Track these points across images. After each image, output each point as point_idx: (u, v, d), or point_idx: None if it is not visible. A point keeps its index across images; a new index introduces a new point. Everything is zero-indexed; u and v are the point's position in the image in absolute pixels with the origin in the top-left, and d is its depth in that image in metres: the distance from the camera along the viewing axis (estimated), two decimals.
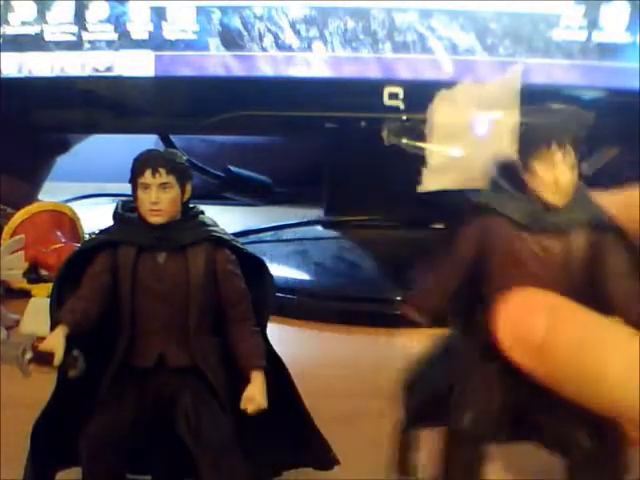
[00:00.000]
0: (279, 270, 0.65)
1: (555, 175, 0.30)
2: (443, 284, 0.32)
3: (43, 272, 0.65)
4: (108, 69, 0.65)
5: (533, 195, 0.30)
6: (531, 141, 0.30)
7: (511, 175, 0.32)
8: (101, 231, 0.34)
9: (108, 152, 0.85)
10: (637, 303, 0.29)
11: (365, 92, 0.63)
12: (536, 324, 0.26)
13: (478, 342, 0.31)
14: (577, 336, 0.26)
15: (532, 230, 0.30)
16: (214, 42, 0.64)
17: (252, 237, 0.76)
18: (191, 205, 0.34)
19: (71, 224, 0.71)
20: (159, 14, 0.64)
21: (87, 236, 0.70)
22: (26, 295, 0.61)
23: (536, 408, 0.30)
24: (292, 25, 0.63)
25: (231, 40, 0.63)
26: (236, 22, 0.63)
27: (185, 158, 0.34)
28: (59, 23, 0.65)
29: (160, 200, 0.32)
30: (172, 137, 0.78)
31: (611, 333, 0.26)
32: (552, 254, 0.30)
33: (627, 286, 0.29)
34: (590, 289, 0.30)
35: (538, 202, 0.30)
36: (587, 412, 0.27)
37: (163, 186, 0.32)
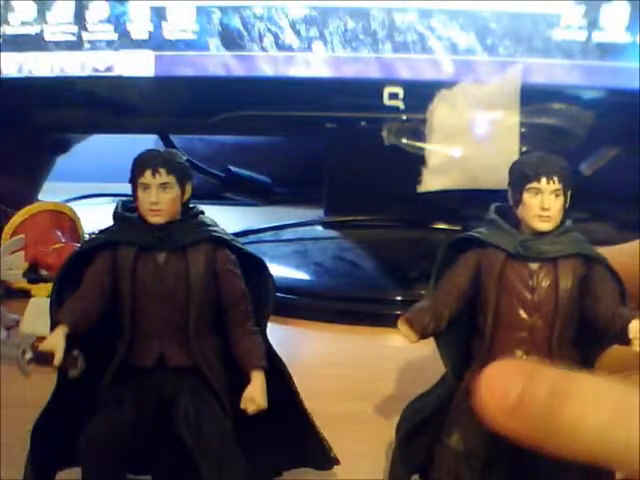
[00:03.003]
0: (279, 270, 0.65)
1: (541, 201, 0.32)
2: (439, 307, 0.33)
3: (43, 272, 0.65)
4: (108, 69, 0.65)
5: (523, 226, 0.33)
6: (520, 175, 0.33)
7: (507, 215, 0.34)
8: (101, 231, 0.34)
9: (108, 152, 0.85)
10: (621, 320, 0.31)
11: (365, 92, 0.63)
12: (511, 384, 0.27)
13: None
14: (550, 390, 0.26)
15: (522, 258, 0.33)
16: (214, 42, 0.64)
17: (252, 237, 0.76)
18: (191, 205, 0.34)
19: (71, 224, 0.71)
20: (159, 14, 0.64)
21: (87, 236, 0.70)
22: (26, 295, 0.61)
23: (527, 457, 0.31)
24: (292, 25, 0.63)
25: (231, 40, 0.63)
26: (236, 22, 0.63)
27: (185, 158, 0.34)
28: (59, 23, 0.65)
29: (160, 200, 0.32)
30: (172, 137, 0.78)
31: (586, 383, 0.27)
32: (542, 281, 0.32)
33: (614, 307, 0.31)
34: (575, 316, 0.32)
35: (527, 232, 0.33)
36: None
37: (163, 186, 0.32)
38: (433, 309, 0.33)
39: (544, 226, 0.33)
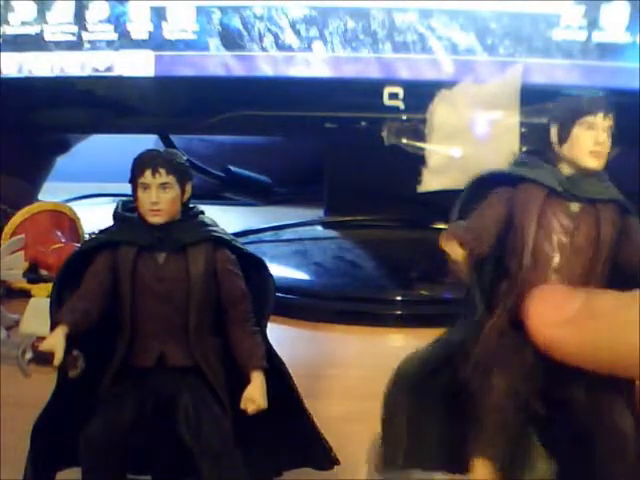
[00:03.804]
0: (279, 270, 0.65)
1: (595, 137, 0.30)
2: (479, 229, 0.31)
3: (43, 272, 0.65)
4: (108, 69, 0.65)
5: (564, 165, 0.31)
6: (573, 107, 0.31)
7: (538, 155, 0.32)
8: (101, 231, 0.34)
9: (108, 152, 0.85)
10: None
11: (365, 92, 0.63)
12: (572, 297, 0.27)
13: (500, 320, 0.31)
14: (613, 304, 0.26)
15: (564, 198, 0.31)
16: (214, 42, 0.64)
17: (252, 237, 0.76)
18: (191, 205, 0.34)
19: (71, 224, 0.71)
20: (159, 14, 0.64)
21: (87, 236, 0.70)
22: (26, 295, 0.61)
23: (567, 384, 0.30)
24: (292, 25, 0.63)
25: (231, 40, 0.63)
26: (236, 22, 0.63)
27: (185, 158, 0.34)
28: (59, 23, 0.65)
29: (160, 200, 0.32)
30: (172, 137, 0.78)
31: None
32: (582, 225, 0.30)
33: None
34: (610, 263, 0.31)
35: (573, 169, 0.31)
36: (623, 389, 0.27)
37: (163, 186, 0.32)
38: (474, 230, 0.31)
39: (596, 163, 0.31)
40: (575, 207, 0.31)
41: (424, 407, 0.33)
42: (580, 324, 0.26)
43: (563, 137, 0.31)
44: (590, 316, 0.26)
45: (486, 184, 0.32)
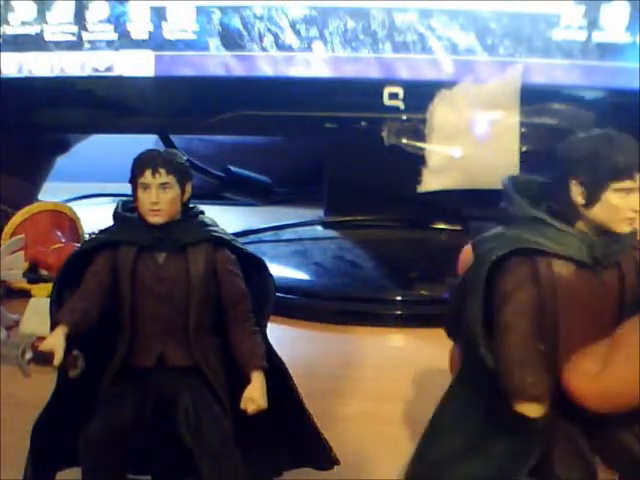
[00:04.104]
0: (279, 270, 0.65)
1: (633, 203, 0.27)
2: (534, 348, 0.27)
3: (43, 272, 0.65)
4: (108, 69, 0.65)
5: (592, 225, 0.28)
6: (611, 167, 0.27)
7: (551, 208, 0.29)
8: (101, 231, 0.34)
9: (108, 152, 0.85)
10: None
11: (365, 92, 0.63)
12: (599, 349, 0.27)
13: None
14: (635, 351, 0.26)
15: (593, 267, 0.27)
16: (214, 42, 0.64)
17: (252, 237, 0.76)
18: (191, 205, 0.34)
19: (71, 224, 0.71)
20: (159, 14, 0.64)
21: (87, 236, 0.70)
22: (26, 295, 0.61)
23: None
24: (292, 25, 0.63)
25: (231, 40, 0.63)
26: (236, 22, 0.63)
27: (185, 158, 0.34)
28: (59, 23, 0.65)
29: (160, 200, 0.32)
30: (172, 137, 0.78)
31: None
32: (610, 285, 0.28)
33: None
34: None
35: (596, 230, 0.28)
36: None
37: (163, 186, 0.32)
38: (537, 370, 0.26)
39: (628, 229, 0.27)
40: (603, 275, 0.28)
41: None
42: (607, 367, 0.27)
43: (591, 200, 0.27)
44: (613, 356, 0.27)
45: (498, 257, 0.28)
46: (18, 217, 0.68)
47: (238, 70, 0.64)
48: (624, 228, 0.27)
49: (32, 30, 0.65)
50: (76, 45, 0.65)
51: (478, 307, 0.27)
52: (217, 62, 0.64)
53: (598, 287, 0.27)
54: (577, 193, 0.27)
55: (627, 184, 0.26)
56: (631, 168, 0.26)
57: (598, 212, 0.27)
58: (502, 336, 0.27)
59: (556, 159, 0.28)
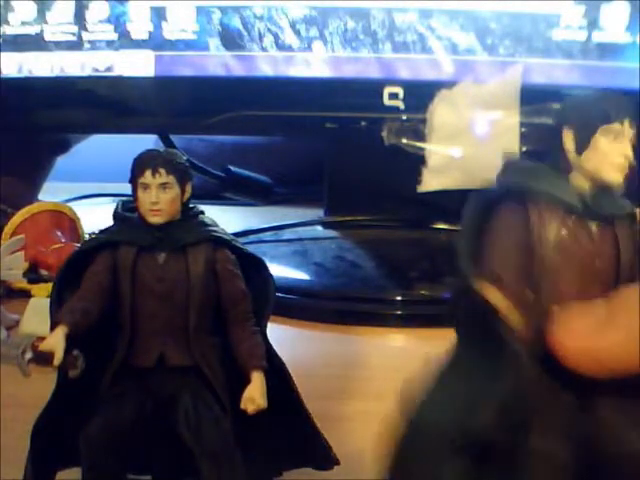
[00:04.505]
0: (279, 270, 0.65)
1: (622, 148, 0.27)
2: (518, 266, 0.27)
3: (43, 272, 0.65)
4: (108, 69, 0.65)
5: (584, 174, 0.28)
6: (600, 112, 0.27)
7: (545, 159, 0.29)
8: (101, 231, 0.34)
9: (108, 152, 0.85)
10: None
11: (365, 92, 0.63)
12: (595, 309, 0.26)
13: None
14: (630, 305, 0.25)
15: (583, 216, 0.27)
16: (214, 42, 0.64)
17: (252, 237, 0.76)
18: (191, 205, 0.34)
19: (71, 224, 0.71)
20: (159, 14, 0.64)
21: (87, 236, 0.70)
22: (26, 295, 0.61)
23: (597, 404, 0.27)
24: (292, 25, 0.63)
25: (231, 40, 0.63)
26: (236, 22, 0.63)
27: (185, 158, 0.34)
28: (59, 23, 0.65)
29: (160, 200, 0.32)
30: (172, 137, 0.78)
31: None
32: (603, 246, 0.28)
33: None
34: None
35: (589, 181, 0.28)
36: None
37: (163, 186, 0.32)
38: (513, 272, 0.27)
39: (619, 178, 0.27)
40: (594, 226, 0.28)
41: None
42: (603, 331, 0.26)
43: (582, 145, 0.27)
44: (611, 321, 0.26)
45: (492, 199, 0.28)
46: (18, 217, 0.68)
47: (238, 70, 0.64)
48: (615, 175, 0.27)
49: (32, 30, 0.65)
50: (76, 45, 0.65)
51: (468, 242, 0.28)
52: (217, 62, 0.64)
53: (588, 240, 0.27)
54: (569, 140, 0.28)
55: (615, 126, 0.27)
56: (620, 113, 0.27)
57: (589, 157, 0.27)
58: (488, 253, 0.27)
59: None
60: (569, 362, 0.27)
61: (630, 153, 0.27)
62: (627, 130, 0.27)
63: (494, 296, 0.26)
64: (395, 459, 0.29)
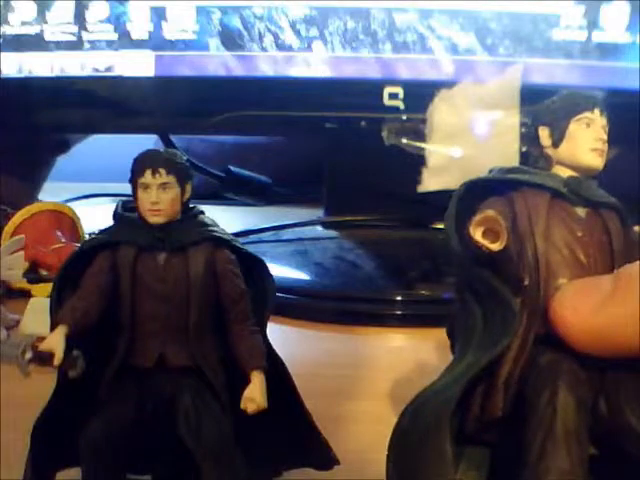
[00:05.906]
0: (279, 270, 0.65)
1: (595, 133, 0.29)
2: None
3: (43, 272, 0.65)
4: (108, 69, 0.65)
5: (565, 165, 0.29)
6: (570, 105, 0.29)
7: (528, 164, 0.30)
8: (101, 231, 0.34)
9: (108, 152, 0.85)
10: None
11: (365, 92, 0.63)
12: (601, 285, 0.26)
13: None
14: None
15: (569, 201, 0.28)
16: (214, 42, 0.64)
17: (252, 237, 0.76)
18: (191, 205, 0.34)
19: (71, 224, 0.71)
20: (159, 14, 0.64)
21: (87, 236, 0.70)
22: (26, 295, 0.61)
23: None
24: (292, 25, 0.63)
25: (231, 40, 0.63)
26: (236, 22, 0.63)
27: (185, 158, 0.34)
28: (59, 23, 0.65)
29: (160, 200, 0.32)
30: (172, 137, 0.78)
31: None
32: (593, 231, 0.28)
33: None
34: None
35: (571, 171, 0.29)
36: None
37: (163, 186, 0.32)
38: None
39: (598, 161, 0.29)
40: (581, 212, 0.28)
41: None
42: (606, 308, 0.25)
43: (558, 138, 0.29)
44: (615, 297, 0.25)
45: (476, 194, 0.30)
46: (18, 217, 0.68)
47: (238, 70, 0.64)
48: (593, 160, 0.29)
49: (32, 30, 0.65)
50: (76, 45, 0.65)
51: (452, 219, 0.30)
52: (217, 62, 0.64)
53: (578, 225, 0.28)
54: (545, 136, 0.29)
55: (586, 115, 0.29)
56: (589, 103, 0.29)
57: (565, 148, 0.29)
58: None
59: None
60: (571, 340, 0.26)
61: (605, 137, 0.29)
62: (598, 118, 0.29)
63: (481, 217, 0.27)
64: (397, 447, 0.29)
